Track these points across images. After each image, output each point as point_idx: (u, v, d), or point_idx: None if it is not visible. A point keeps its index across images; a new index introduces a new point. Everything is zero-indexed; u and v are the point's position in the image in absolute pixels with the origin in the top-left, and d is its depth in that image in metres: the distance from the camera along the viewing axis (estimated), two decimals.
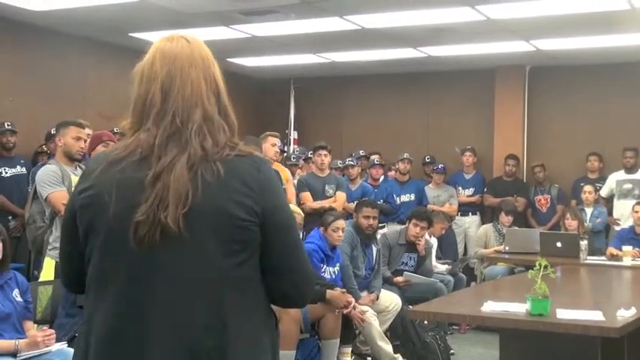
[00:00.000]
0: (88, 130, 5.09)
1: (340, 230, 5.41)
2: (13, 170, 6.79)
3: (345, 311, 5.02)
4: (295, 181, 7.23)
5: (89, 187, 1.60)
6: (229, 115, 1.65)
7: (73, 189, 4.46)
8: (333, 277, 5.44)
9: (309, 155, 8.16)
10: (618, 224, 7.92)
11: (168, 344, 1.51)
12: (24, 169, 6.83)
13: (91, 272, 1.60)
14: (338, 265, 5.49)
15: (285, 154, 8.32)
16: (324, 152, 7.10)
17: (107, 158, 1.60)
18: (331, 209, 5.89)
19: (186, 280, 1.52)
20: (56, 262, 4.51)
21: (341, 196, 6.97)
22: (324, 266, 5.38)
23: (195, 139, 1.56)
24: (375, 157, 8.67)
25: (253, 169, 1.58)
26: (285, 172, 6.65)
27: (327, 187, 6.97)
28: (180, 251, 1.52)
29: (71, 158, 4.68)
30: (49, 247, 4.58)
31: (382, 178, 8.55)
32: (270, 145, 6.46)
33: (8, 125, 6.78)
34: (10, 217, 6.56)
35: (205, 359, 1.50)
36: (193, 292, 1.52)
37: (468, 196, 9.05)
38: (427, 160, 9.27)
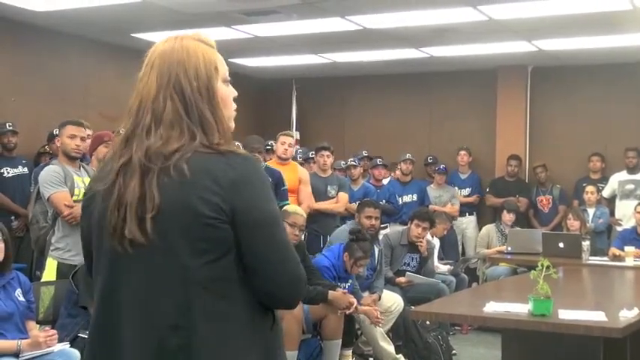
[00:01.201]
0: (88, 131, 5.08)
1: (362, 268, 5.40)
2: (15, 170, 6.80)
3: (347, 312, 5.02)
4: None
5: (88, 190, 1.70)
6: (205, 114, 1.58)
7: (75, 189, 4.53)
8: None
9: (310, 155, 8.17)
10: (620, 224, 7.92)
11: (139, 344, 1.52)
12: (26, 169, 6.84)
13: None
14: (350, 280, 5.47)
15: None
16: (327, 153, 7.09)
17: (107, 165, 1.65)
18: (364, 240, 5.49)
19: (154, 280, 1.53)
20: (58, 262, 4.52)
21: (343, 196, 6.96)
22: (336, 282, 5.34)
23: (144, 141, 1.56)
24: (378, 159, 8.66)
25: (226, 165, 1.53)
26: (298, 172, 6.58)
27: (329, 188, 6.96)
28: (148, 252, 1.53)
29: (68, 157, 4.66)
30: (52, 248, 4.58)
31: (389, 179, 8.53)
32: (280, 144, 6.48)
33: (9, 126, 6.79)
34: (12, 217, 6.57)
35: (171, 359, 1.51)
36: (161, 291, 1.52)
37: (464, 197, 9.05)
38: (429, 161, 9.27)
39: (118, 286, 1.56)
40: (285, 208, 5.10)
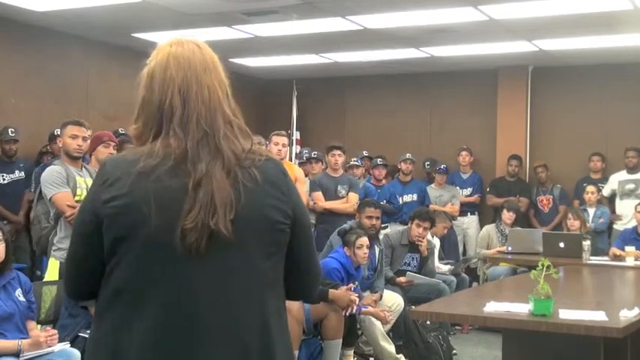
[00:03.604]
0: (89, 131, 5.08)
1: (365, 247, 5.39)
2: (11, 176, 6.81)
3: (348, 311, 5.02)
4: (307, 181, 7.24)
5: (119, 195, 1.54)
6: (241, 119, 1.66)
7: (77, 190, 4.52)
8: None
9: (313, 156, 8.17)
10: (621, 219, 7.93)
11: (222, 348, 1.52)
12: (22, 174, 6.84)
13: (119, 283, 1.55)
14: (357, 282, 5.48)
15: (296, 153, 8.34)
16: (338, 152, 7.09)
17: (134, 166, 1.55)
18: (352, 227, 5.69)
19: (234, 285, 1.55)
20: (61, 262, 4.51)
21: (353, 196, 6.95)
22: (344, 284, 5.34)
23: (225, 144, 1.58)
24: (378, 159, 8.67)
25: (279, 172, 1.64)
26: (294, 171, 6.60)
27: (339, 188, 6.97)
28: (226, 257, 1.54)
29: (70, 156, 4.67)
30: (54, 248, 4.58)
31: (391, 179, 8.54)
32: (273, 145, 6.46)
33: (12, 133, 6.78)
34: (5, 222, 6.58)
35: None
36: (241, 295, 1.56)
37: (466, 196, 9.06)
38: (427, 167, 9.22)
39: (186, 291, 1.52)
40: None
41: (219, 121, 1.60)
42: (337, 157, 7.06)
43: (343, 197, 6.94)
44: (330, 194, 6.87)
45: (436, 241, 7.33)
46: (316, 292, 1.83)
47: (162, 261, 1.52)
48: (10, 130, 6.77)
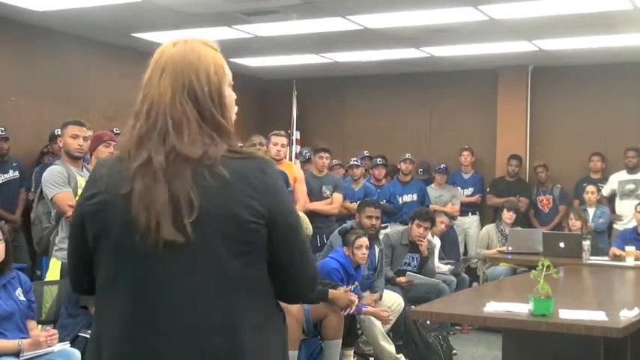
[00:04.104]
0: (89, 131, 5.08)
1: (364, 248, 5.38)
2: (5, 176, 6.79)
3: (348, 311, 5.02)
4: None
5: (97, 193, 1.61)
6: (218, 119, 1.61)
7: (78, 190, 4.53)
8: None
9: (307, 156, 8.18)
10: (621, 220, 7.93)
11: (183, 345, 1.53)
12: (16, 173, 6.82)
13: (100, 276, 1.63)
14: (357, 283, 5.48)
15: (297, 153, 8.33)
16: (326, 155, 7.10)
17: (118, 164, 1.60)
18: (353, 227, 5.68)
19: (197, 282, 1.54)
20: (62, 262, 4.52)
21: (338, 197, 6.96)
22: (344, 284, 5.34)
23: (163, 145, 1.55)
24: (378, 159, 8.67)
25: (257, 170, 1.59)
26: (293, 171, 6.59)
27: (324, 188, 6.97)
28: (186, 255, 1.53)
29: (71, 156, 4.67)
30: (55, 248, 4.58)
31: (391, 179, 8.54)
32: (272, 145, 6.46)
33: (2, 131, 6.76)
34: (3, 222, 6.57)
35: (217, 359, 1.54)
36: (205, 293, 1.54)
37: (467, 196, 9.06)
38: (420, 173, 9.20)
39: (151, 288, 1.55)
40: None
41: (182, 118, 1.58)
42: (325, 160, 7.08)
43: (328, 197, 6.93)
44: (315, 194, 6.87)
45: (437, 241, 7.33)
46: (309, 295, 1.74)
47: (130, 259, 1.56)
48: (0, 128, 6.76)
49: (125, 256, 1.57)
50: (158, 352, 1.54)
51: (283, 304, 1.71)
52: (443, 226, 7.55)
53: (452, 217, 8.24)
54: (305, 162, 8.50)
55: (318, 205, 6.79)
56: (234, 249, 1.55)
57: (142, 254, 1.54)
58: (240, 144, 1.70)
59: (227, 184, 1.54)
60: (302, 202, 6.45)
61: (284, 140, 6.55)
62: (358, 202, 6.60)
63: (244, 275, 1.56)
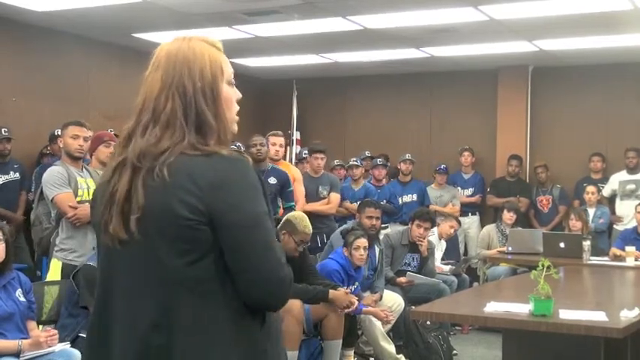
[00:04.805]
0: (89, 132, 5.08)
1: (362, 249, 5.37)
2: (6, 177, 6.77)
3: (347, 311, 5.02)
4: None
5: (94, 192, 1.76)
6: (205, 115, 1.59)
7: (78, 190, 4.53)
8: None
9: (304, 155, 8.18)
10: (621, 221, 7.92)
11: (124, 342, 1.57)
12: (17, 175, 6.81)
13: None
14: (357, 283, 5.48)
15: (296, 153, 8.32)
16: (321, 155, 7.09)
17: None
18: (353, 228, 5.67)
19: (137, 278, 1.57)
20: (63, 263, 4.52)
21: (335, 197, 6.95)
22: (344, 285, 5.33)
23: (139, 140, 1.58)
24: (378, 159, 8.66)
25: (208, 167, 1.53)
26: (291, 171, 6.61)
27: (320, 189, 6.96)
28: (133, 252, 1.57)
29: (71, 157, 4.67)
30: (56, 249, 4.58)
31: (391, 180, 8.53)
32: (270, 145, 6.48)
33: (5, 132, 6.74)
34: (5, 222, 6.56)
35: (152, 358, 1.53)
36: (143, 289, 1.56)
37: (467, 197, 9.06)
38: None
39: (109, 282, 1.63)
40: (294, 223, 4.95)
41: (145, 117, 1.60)
42: (320, 161, 7.08)
43: (324, 198, 6.93)
44: (312, 195, 6.86)
45: (442, 244, 7.33)
46: (276, 301, 1.59)
47: (100, 253, 1.68)
48: (3, 130, 6.73)
49: (99, 250, 1.68)
50: (113, 345, 1.59)
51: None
52: (452, 230, 7.53)
53: (459, 222, 8.22)
54: (300, 161, 8.48)
55: (316, 206, 6.79)
56: (176, 247, 1.52)
57: (106, 250, 1.62)
58: (238, 143, 1.71)
59: (169, 182, 1.52)
60: (301, 202, 6.49)
61: (281, 140, 6.58)
62: (358, 203, 6.60)
63: (187, 274, 1.52)
